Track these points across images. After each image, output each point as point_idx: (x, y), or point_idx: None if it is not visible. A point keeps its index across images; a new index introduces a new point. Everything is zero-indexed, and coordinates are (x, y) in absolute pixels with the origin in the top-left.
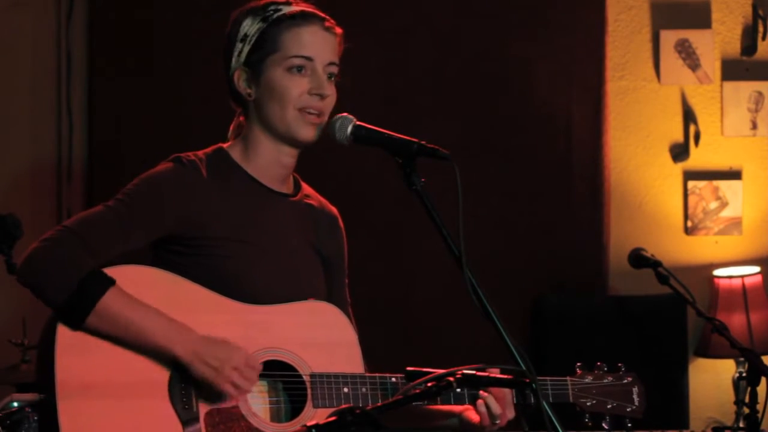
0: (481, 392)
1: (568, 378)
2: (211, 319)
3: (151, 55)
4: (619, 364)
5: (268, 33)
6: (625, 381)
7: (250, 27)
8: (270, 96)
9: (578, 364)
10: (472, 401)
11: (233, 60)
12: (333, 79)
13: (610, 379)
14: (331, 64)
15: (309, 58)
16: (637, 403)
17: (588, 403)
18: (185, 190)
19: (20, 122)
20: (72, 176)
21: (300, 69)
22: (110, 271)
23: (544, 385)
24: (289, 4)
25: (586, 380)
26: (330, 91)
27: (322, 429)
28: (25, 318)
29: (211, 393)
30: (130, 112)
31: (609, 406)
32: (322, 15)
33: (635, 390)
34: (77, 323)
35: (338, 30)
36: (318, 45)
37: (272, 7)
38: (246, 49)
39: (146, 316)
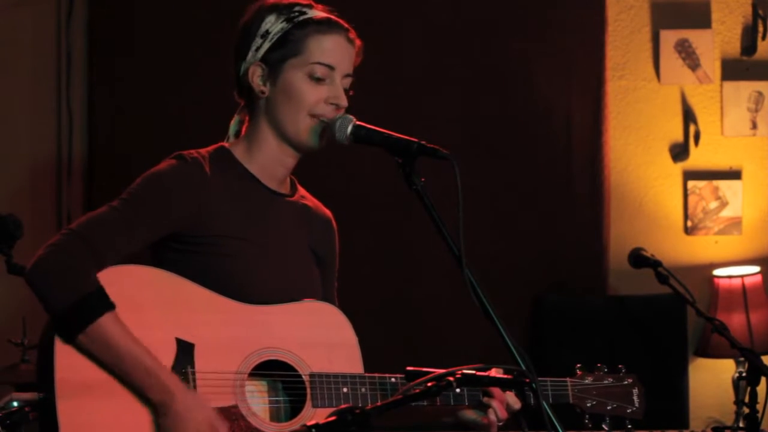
0: (485, 399)
1: (568, 379)
2: (211, 318)
3: (151, 55)
4: (620, 366)
5: (292, 34)
6: (626, 382)
7: (273, 24)
8: (286, 98)
9: (578, 365)
10: (472, 402)
11: (250, 54)
12: (347, 92)
13: (611, 380)
14: (348, 76)
15: (331, 67)
16: (637, 405)
17: (588, 404)
18: (189, 187)
19: (20, 122)
20: (72, 176)
21: (320, 78)
22: (111, 271)
23: (544, 386)
24: (311, 7)
25: (586, 381)
26: (345, 103)
27: (322, 429)
28: (25, 318)
29: None
30: (130, 112)
31: (609, 408)
32: (346, 25)
33: (635, 391)
34: (68, 338)
35: (358, 42)
36: (340, 55)
37: (297, 8)
38: (266, 45)
39: (134, 352)
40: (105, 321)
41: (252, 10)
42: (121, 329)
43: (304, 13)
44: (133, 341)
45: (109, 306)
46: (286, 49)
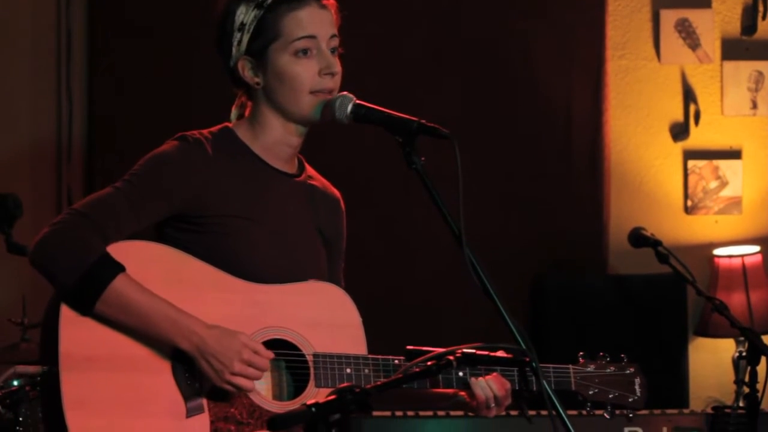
0: (471, 379)
1: (570, 366)
2: (215, 296)
3: (151, 34)
4: (622, 355)
5: (266, 20)
6: (628, 371)
7: (245, 15)
8: (281, 83)
9: (581, 353)
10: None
11: (233, 49)
12: (336, 53)
13: (613, 369)
14: (333, 37)
15: (312, 37)
16: (638, 394)
17: (590, 392)
18: (192, 167)
19: (20, 102)
20: (72, 156)
21: (306, 51)
22: (116, 247)
23: (547, 373)
24: None
25: (589, 369)
26: (338, 67)
27: (322, 407)
28: (25, 297)
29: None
30: (130, 91)
31: (611, 396)
32: None
33: (637, 381)
34: (86, 308)
35: (332, 2)
36: (317, 23)
37: None
38: (245, 38)
39: (154, 306)
40: (118, 284)
41: (221, 4)
42: (136, 287)
43: None
44: (150, 296)
45: (119, 268)
46: (264, 36)
